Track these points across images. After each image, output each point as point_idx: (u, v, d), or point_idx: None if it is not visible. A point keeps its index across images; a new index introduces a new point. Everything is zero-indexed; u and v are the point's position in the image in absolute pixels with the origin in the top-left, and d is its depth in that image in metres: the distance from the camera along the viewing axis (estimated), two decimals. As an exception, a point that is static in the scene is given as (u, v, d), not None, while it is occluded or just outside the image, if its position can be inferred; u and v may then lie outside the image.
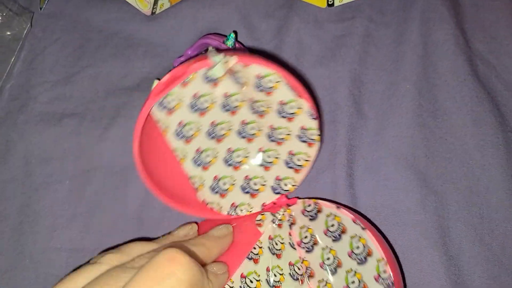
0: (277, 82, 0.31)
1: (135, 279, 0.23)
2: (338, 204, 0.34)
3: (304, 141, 0.34)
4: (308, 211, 0.35)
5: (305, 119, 0.32)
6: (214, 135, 0.34)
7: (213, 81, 0.31)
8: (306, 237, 0.34)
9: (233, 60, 0.29)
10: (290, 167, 0.35)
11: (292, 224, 0.35)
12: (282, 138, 0.34)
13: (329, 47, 0.44)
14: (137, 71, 0.45)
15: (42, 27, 0.48)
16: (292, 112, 0.32)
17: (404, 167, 0.39)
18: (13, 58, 0.46)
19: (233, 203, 0.36)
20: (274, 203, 0.37)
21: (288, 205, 0.36)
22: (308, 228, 0.34)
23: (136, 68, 0.45)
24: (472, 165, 0.39)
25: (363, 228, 0.31)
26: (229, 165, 0.36)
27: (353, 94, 0.42)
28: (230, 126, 0.34)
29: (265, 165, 0.36)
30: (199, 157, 0.35)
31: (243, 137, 0.35)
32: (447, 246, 0.36)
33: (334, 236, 0.33)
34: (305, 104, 0.32)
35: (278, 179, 0.36)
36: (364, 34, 0.44)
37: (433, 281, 0.35)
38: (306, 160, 0.35)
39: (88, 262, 0.27)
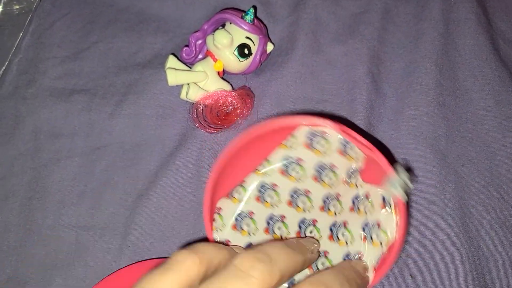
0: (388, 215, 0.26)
1: None
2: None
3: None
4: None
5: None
6: (295, 198, 0.30)
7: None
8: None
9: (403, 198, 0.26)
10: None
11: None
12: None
13: (347, 24, 0.43)
14: (148, 47, 0.44)
15: (51, 1, 0.46)
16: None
17: (424, 147, 0.38)
18: (22, 33, 0.44)
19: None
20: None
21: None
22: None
23: (147, 44, 0.44)
24: (493, 145, 0.38)
25: None
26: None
27: (372, 72, 0.41)
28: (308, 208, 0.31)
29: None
30: (268, 193, 0.31)
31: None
32: (467, 227, 0.35)
33: None
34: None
35: None
36: (383, 10, 0.43)
37: (452, 262, 0.34)
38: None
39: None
